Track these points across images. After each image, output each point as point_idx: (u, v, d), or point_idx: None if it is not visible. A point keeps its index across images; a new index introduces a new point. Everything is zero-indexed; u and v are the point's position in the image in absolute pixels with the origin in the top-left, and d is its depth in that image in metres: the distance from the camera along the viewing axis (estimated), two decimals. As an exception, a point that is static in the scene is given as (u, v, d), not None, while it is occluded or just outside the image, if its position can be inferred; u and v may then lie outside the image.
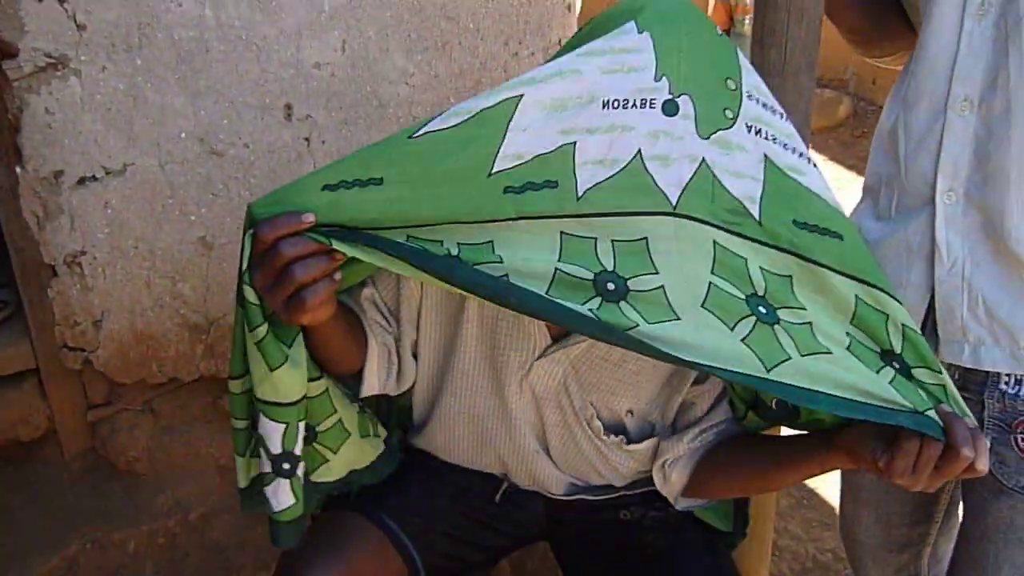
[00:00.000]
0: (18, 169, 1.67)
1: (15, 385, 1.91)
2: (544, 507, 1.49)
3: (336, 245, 0.99)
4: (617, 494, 1.46)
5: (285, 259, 0.98)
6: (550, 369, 1.32)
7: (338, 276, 1.03)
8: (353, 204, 0.99)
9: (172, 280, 1.86)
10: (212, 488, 2.05)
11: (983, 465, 1.04)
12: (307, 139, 1.85)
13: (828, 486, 2.64)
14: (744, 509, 1.47)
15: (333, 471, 1.33)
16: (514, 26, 1.98)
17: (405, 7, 1.84)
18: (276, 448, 1.14)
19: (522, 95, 1.02)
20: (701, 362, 1.01)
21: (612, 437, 1.36)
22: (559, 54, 1.11)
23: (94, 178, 1.73)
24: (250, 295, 1.03)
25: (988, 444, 1.06)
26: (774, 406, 1.26)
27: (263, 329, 1.06)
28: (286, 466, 1.16)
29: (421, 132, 1.02)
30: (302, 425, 1.16)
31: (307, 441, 1.26)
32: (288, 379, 1.10)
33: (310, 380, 1.20)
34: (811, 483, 2.65)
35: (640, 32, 1.07)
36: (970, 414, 1.09)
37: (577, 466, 1.43)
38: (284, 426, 1.13)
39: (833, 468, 1.18)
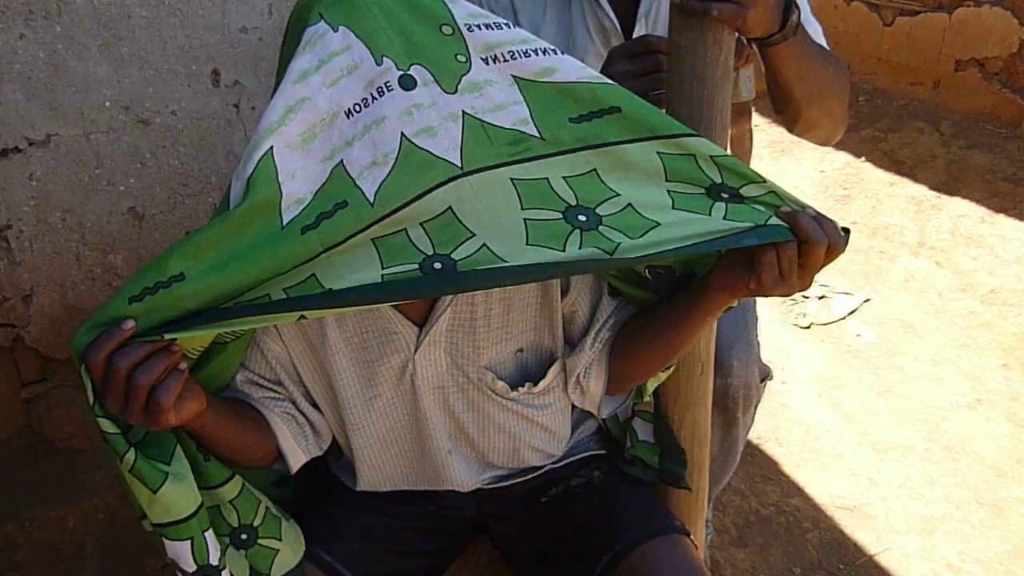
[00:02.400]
0: (-65, 141, 1.63)
1: (-56, 364, 1.87)
2: (475, 502, 1.49)
3: (167, 336, 0.99)
4: (542, 470, 1.47)
5: (123, 371, 0.98)
6: (432, 355, 1.31)
7: (184, 367, 1.02)
8: (165, 304, 0.99)
9: (103, 252, 1.83)
10: (153, 462, 2.03)
11: (838, 242, 1.11)
12: (236, 105, 1.82)
13: (768, 443, 2.69)
14: (673, 454, 1.47)
15: (290, 556, 1.32)
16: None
17: (333, -30, 1.81)
18: (190, 567, 1.14)
19: (271, 147, 1.03)
20: (546, 263, 1.02)
21: (521, 389, 1.36)
22: (276, 84, 1.11)
23: (17, 149, 1.68)
24: (106, 426, 1.03)
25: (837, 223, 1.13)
26: (649, 275, 1.29)
27: (131, 455, 1.05)
28: None
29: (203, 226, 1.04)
30: (209, 535, 1.16)
31: (248, 543, 1.26)
32: (175, 495, 1.09)
33: (223, 483, 1.21)
34: (752, 439, 2.69)
35: (336, 30, 1.07)
36: (807, 204, 1.14)
37: (505, 447, 1.42)
38: (189, 542, 1.13)
39: (719, 307, 1.22)
